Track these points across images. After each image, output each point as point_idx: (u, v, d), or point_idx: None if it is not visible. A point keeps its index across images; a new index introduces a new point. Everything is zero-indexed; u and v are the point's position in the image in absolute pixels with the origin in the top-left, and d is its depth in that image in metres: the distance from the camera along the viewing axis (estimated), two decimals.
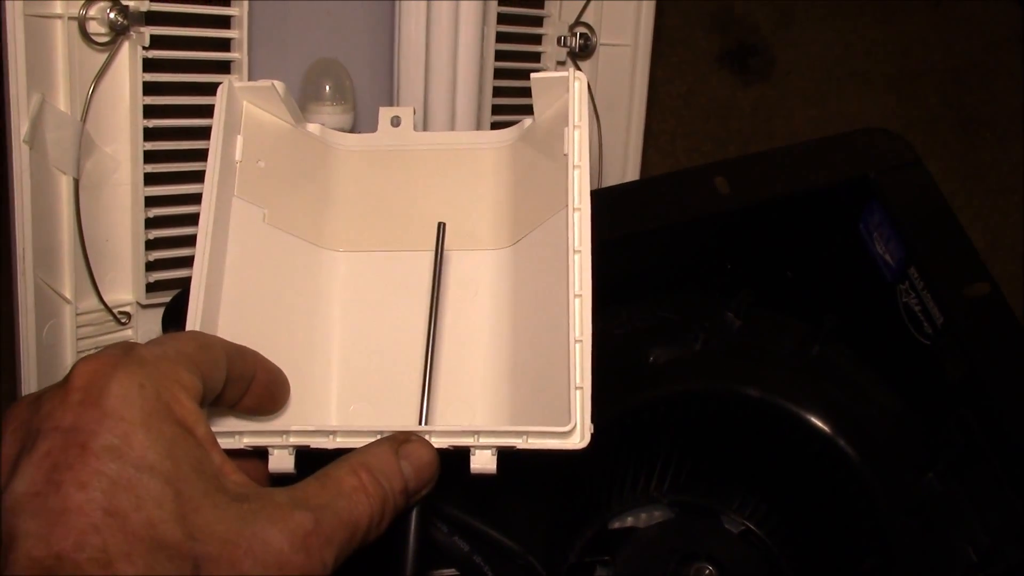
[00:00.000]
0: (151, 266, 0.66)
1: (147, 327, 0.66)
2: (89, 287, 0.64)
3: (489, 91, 0.75)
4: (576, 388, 0.41)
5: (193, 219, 0.67)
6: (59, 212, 0.61)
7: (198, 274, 0.44)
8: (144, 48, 0.61)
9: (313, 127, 0.52)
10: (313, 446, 0.41)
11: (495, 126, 0.78)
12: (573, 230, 0.44)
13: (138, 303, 0.66)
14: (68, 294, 0.62)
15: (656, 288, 0.67)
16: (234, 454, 0.40)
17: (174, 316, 0.54)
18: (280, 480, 0.42)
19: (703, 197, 0.63)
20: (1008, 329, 0.59)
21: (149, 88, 0.62)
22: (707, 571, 0.62)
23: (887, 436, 0.62)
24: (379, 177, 0.53)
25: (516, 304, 0.50)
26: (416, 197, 0.52)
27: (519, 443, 0.41)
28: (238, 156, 0.48)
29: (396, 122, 0.53)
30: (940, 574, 0.57)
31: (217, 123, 0.47)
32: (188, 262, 0.68)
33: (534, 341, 0.48)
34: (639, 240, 0.63)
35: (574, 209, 0.45)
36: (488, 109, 0.76)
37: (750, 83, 1.15)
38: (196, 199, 0.68)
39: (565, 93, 0.47)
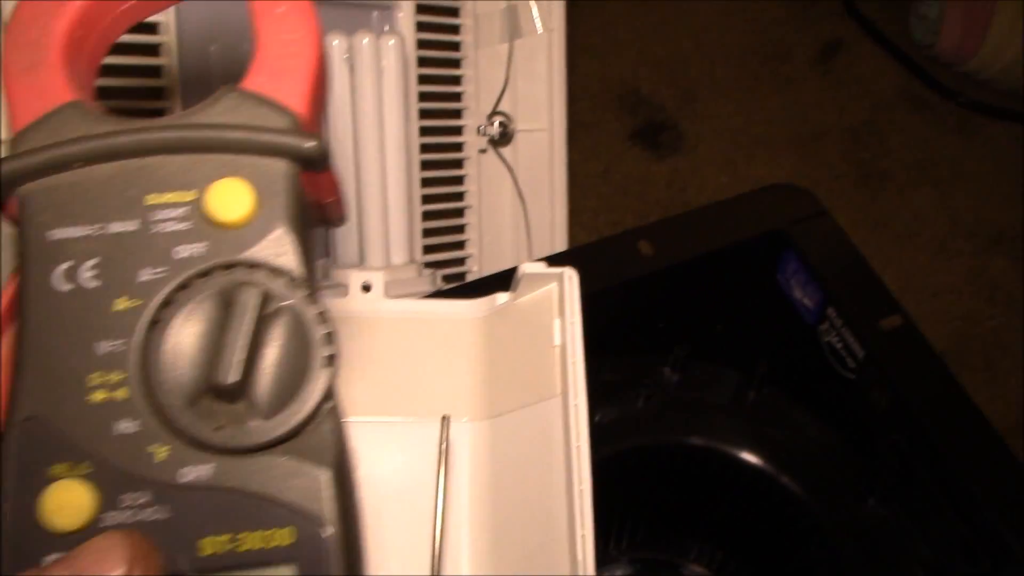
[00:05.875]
0: None
1: None
2: None
3: (417, 181, 0.79)
4: None
5: None
6: None
7: None
8: None
9: None
10: None
11: (427, 216, 0.81)
12: (572, 426, 0.44)
13: None
14: None
15: (594, 352, 0.69)
16: None
17: None
18: None
19: (629, 261, 0.66)
20: (924, 356, 0.63)
21: None
22: None
23: (826, 468, 0.65)
24: (348, 344, 0.51)
25: (495, 486, 0.49)
26: (387, 364, 0.51)
27: None
28: None
29: (367, 288, 0.53)
30: None
31: None
32: None
33: (520, 535, 0.47)
34: None
35: (573, 405, 0.45)
36: (418, 203, 0.79)
37: (663, 157, 1.20)
38: None
39: (551, 283, 0.48)
